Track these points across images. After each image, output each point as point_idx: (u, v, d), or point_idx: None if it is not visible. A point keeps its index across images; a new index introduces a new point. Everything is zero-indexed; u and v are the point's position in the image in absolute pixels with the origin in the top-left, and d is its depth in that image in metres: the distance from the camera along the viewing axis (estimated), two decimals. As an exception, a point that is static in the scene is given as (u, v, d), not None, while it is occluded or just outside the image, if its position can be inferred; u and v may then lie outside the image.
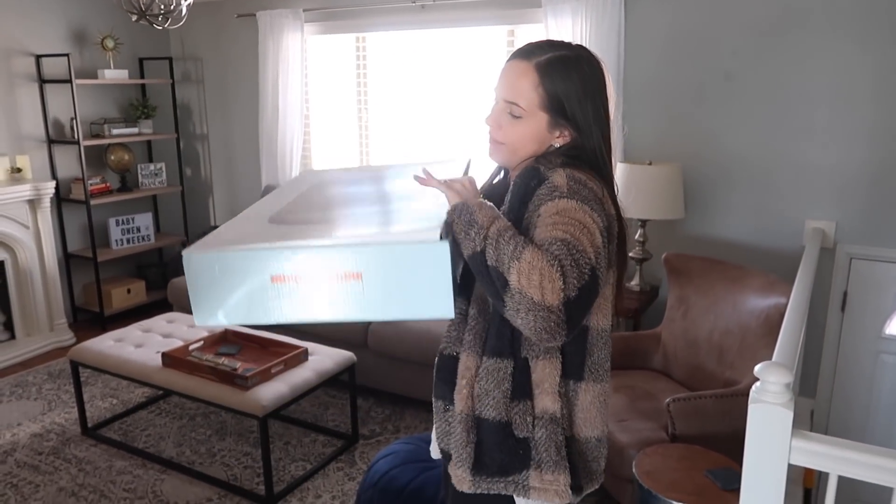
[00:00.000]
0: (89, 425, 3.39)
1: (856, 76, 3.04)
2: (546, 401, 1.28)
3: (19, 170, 4.29)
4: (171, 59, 5.10)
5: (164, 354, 3.07)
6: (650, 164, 3.32)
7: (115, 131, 4.70)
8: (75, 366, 3.32)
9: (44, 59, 4.43)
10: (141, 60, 5.02)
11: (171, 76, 5.10)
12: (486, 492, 1.32)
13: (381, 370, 3.56)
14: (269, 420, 2.80)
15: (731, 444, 2.09)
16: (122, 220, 4.87)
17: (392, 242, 1.16)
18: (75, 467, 3.08)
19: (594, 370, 1.32)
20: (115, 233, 4.83)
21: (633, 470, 2.19)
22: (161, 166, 5.12)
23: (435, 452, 1.52)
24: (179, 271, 4.72)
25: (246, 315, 1.20)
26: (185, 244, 5.12)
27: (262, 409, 2.73)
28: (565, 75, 1.29)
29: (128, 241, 4.91)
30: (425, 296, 1.14)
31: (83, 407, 3.34)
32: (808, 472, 2.41)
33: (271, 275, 1.16)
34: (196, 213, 5.35)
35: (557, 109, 1.30)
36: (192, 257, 1.19)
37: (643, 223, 3.39)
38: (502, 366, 1.29)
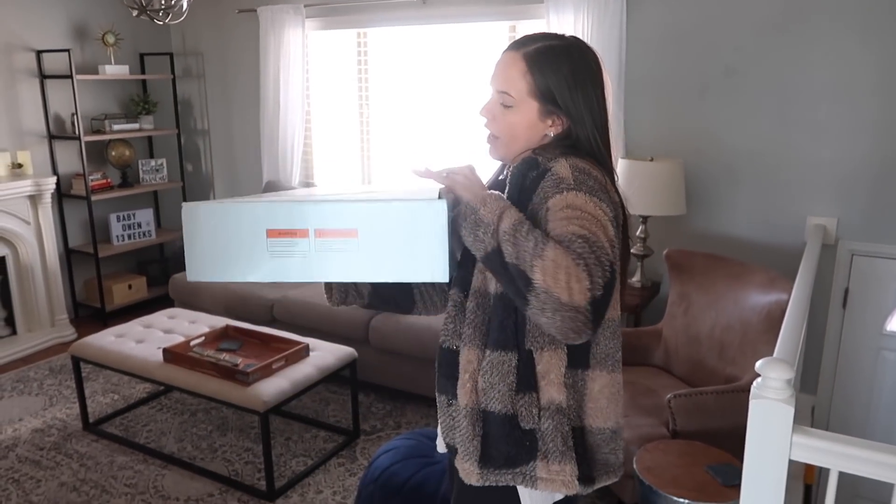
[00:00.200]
0: (90, 421, 3.39)
1: (858, 72, 3.03)
2: (552, 391, 1.28)
3: (20, 165, 4.29)
4: (171, 55, 5.09)
5: (165, 350, 3.07)
6: (652, 160, 3.32)
7: (115, 127, 4.70)
8: (76, 361, 3.32)
9: (45, 55, 4.43)
10: (142, 56, 5.02)
11: (172, 72, 5.10)
12: (494, 484, 1.32)
13: (383, 366, 3.56)
14: (270, 416, 2.80)
15: (731, 440, 2.09)
16: (123, 216, 4.87)
17: (390, 200, 1.17)
18: (77, 462, 3.08)
19: (601, 359, 1.32)
20: (115, 228, 4.83)
21: (634, 466, 2.19)
22: (162, 162, 5.12)
23: (441, 447, 1.52)
24: (180, 267, 4.73)
25: (241, 272, 1.21)
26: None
27: (263, 405, 2.73)
28: (554, 63, 1.30)
29: (129, 236, 4.91)
30: (419, 257, 1.14)
31: (84, 402, 3.34)
32: (808, 468, 2.41)
33: (267, 229, 1.17)
34: (197, 208, 5.35)
35: (547, 97, 1.30)
36: (193, 209, 1.21)
37: (645, 219, 3.39)
38: (506, 359, 1.28)
